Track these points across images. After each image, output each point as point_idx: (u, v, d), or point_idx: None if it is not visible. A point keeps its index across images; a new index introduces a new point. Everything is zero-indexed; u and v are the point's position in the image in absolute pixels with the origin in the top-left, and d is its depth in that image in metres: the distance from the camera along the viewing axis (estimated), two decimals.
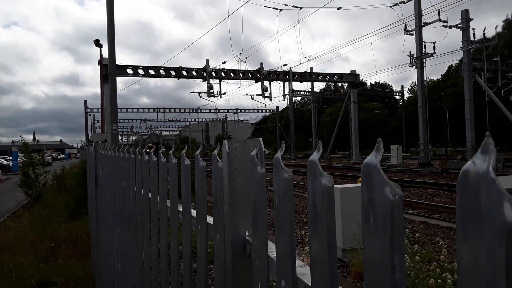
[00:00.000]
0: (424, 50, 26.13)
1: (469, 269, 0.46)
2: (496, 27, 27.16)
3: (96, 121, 55.42)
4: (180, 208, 1.82)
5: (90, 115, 51.43)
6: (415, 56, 26.54)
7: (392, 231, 0.58)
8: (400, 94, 54.12)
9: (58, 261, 6.82)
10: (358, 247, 6.21)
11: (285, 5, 28.45)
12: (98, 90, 27.81)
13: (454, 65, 52.69)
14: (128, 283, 2.83)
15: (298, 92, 44.78)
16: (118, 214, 3.10)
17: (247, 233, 1.32)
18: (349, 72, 34.33)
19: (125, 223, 2.87)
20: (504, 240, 0.42)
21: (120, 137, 76.35)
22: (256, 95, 33.13)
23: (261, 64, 30.40)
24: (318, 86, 65.18)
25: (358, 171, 24.53)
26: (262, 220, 1.12)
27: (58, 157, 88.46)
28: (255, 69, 30.57)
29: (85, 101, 49.87)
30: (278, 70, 32.14)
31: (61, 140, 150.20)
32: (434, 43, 26.09)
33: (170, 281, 1.93)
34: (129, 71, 26.46)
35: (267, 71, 30.78)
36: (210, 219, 1.58)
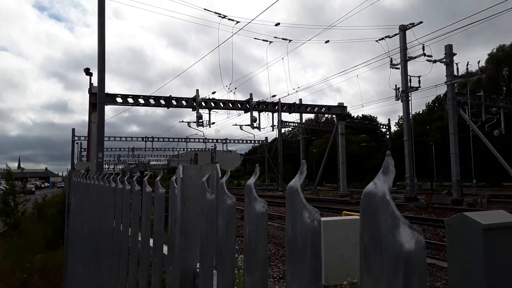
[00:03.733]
0: (409, 83, 26.75)
1: None
2: (479, 62, 28.13)
3: (83, 149, 54.81)
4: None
5: (77, 143, 50.98)
6: (400, 89, 27.13)
7: (310, 259, 0.54)
8: (386, 127, 54.92)
9: None
10: (341, 282, 6.06)
11: (275, 37, 29.13)
12: (87, 118, 27.61)
13: (436, 97, 54.07)
14: None
15: (287, 123, 45.17)
16: (85, 244, 2.98)
17: (198, 265, 1.25)
18: (337, 104, 34.88)
19: (90, 253, 2.75)
20: (402, 267, 0.38)
21: (106, 166, 75.39)
22: (245, 125, 33.30)
23: (251, 94, 30.75)
24: (308, 117, 66.03)
25: (345, 204, 24.42)
26: (209, 250, 1.06)
27: (42, 185, 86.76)
28: (245, 98, 30.93)
29: (73, 129, 49.57)
30: (267, 100, 32.51)
31: (46, 168, 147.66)
32: (419, 77, 26.77)
33: None
34: (119, 99, 26.49)
35: (256, 101, 31.11)
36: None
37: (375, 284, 0.41)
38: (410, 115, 28.57)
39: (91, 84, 25.88)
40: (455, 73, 24.88)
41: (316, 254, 0.54)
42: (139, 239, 1.76)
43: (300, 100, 36.12)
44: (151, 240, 1.63)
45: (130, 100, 26.82)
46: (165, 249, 1.51)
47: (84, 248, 3.07)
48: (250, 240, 0.75)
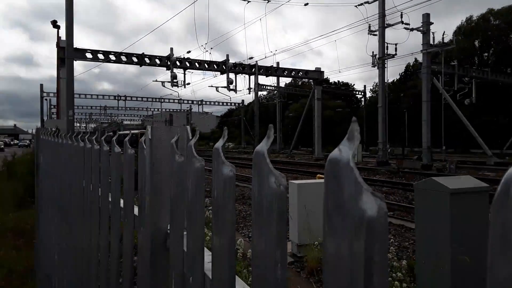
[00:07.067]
0: (386, 51, 26.84)
1: (332, 263, 0.42)
2: (454, 32, 28.42)
3: (52, 106, 52.96)
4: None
5: (46, 99, 49.12)
6: (377, 56, 27.21)
7: (276, 223, 0.54)
8: (362, 93, 55.50)
9: (0, 252, 6.47)
10: (312, 242, 6.28)
11: None
12: (55, 73, 26.48)
13: (410, 64, 54.57)
14: (63, 276, 2.69)
15: (264, 86, 44.89)
16: (56, 204, 2.94)
17: (169, 227, 1.26)
18: (314, 68, 34.78)
19: (61, 213, 2.72)
20: (364, 233, 0.38)
21: (78, 124, 73.51)
22: (221, 87, 32.85)
23: (227, 56, 30.16)
24: (285, 81, 65.67)
25: (319, 167, 24.94)
26: (179, 212, 1.06)
27: (11, 142, 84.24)
28: (222, 58, 30.40)
29: (41, 85, 47.56)
30: (244, 63, 32.03)
31: (15, 125, 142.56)
32: (396, 44, 26.85)
33: (98, 275, 1.84)
34: (88, 55, 25.42)
35: (232, 63, 30.58)
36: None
37: (337, 247, 0.41)
38: (386, 82, 28.87)
39: (58, 37, 24.61)
40: (431, 42, 25.05)
41: (281, 218, 0.54)
42: (110, 200, 1.74)
43: (278, 63, 35.78)
44: (122, 201, 1.62)
45: (101, 56, 25.79)
46: (136, 210, 1.50)
47: (55, 208, 3.03)
48: (218, 203, 0.75)
